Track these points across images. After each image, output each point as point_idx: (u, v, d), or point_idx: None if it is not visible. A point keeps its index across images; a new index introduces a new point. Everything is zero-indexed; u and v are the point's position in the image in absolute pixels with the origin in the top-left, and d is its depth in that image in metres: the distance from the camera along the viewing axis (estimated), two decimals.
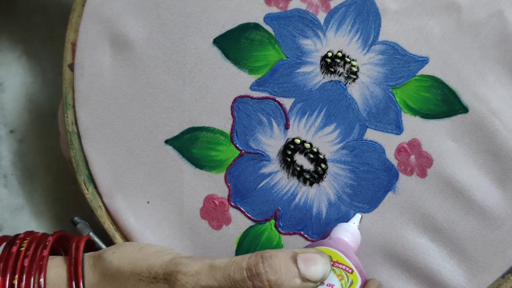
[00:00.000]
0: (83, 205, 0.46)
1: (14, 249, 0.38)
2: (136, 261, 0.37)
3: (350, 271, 0.38)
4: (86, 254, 0.39)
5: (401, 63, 0.42)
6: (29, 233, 0.40)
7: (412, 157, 0.43)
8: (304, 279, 0.35)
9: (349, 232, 0.41)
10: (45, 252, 0.38)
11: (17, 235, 0.40)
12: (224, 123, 0.44)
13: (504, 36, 0.42)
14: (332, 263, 0.37)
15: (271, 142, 0.44)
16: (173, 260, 0.37)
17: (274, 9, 0.43)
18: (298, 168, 0.44)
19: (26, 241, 0.38)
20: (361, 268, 0.39)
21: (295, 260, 0.36)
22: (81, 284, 0.36)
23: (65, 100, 0.45)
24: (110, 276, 0.37)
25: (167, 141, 0.45)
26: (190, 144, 0.44)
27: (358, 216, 0.43)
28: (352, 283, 0.37)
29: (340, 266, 0.38)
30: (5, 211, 0.53)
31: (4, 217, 0.53)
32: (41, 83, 0.55)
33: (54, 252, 0.42)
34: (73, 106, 0.45)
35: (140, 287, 0.36)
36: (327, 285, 0.37)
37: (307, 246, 0.41)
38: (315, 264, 0.36)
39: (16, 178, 0.54)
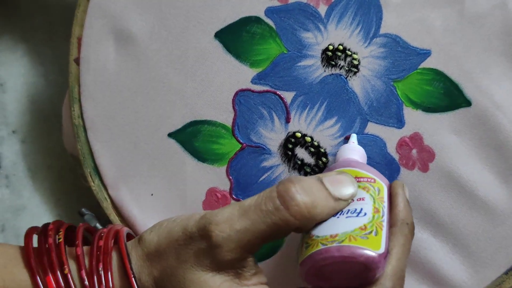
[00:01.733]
0: (86, 204, 0.46)
1: (51, 240, 0.38)
2: (172, 229, 0.37)
3: (372, 180, 0.37)
4: (128, 242, 0.39)
5: (402, 56, 0.42)
6: (58, 223, 0.40)
7: (414, 151, 0.42)
8: (336, 198, 0.35)
9: (353, 150, 0.41)
10: (101, 242, 0.37)
11: (46, 225, 0.39)
12: (225, 116, 0.44)
13: (509, 28, 0.41)
14: None
15: (272, 136, 0.44)
16: (204, 215, 0.36)
17: (275, 2, 0.43)
18: (299, 162, 0.44)
19: (60, 233, 0.38)
20: (380, 175, 0.38)
21: (322, 183, 0.35)
22: (133, 280, 0.36)
23: (72, 93, 0.46)
24: (153, 255, 0.37)
25: (170, 134, 0.45)
26: (193, 137, 0.45)
27: (354, 136, 0.42)
28: (379, 190, 0.37)
29: (362, 179, 0.37)
30: (7, 212, 0.53)
31: (6, 217, 0.53)
32: (43, 83, 0.56)
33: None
34: (79, 100, 0.46)
35: (181, 252, 0.36)
36: (357, 199, 0.36)
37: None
38: (341, 183, 0.36)
39: (18, 178, 0.54)
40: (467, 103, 0.41)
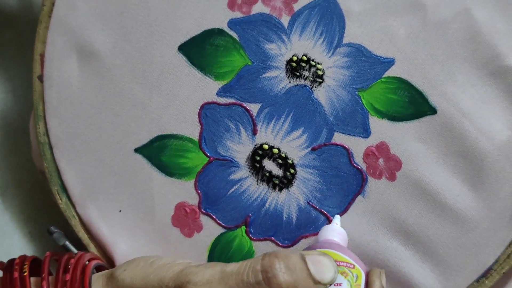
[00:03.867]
0: (56, 221, 0.46)
1: (16, 274, 0.37)
2: (148, 275, 0.36)
3: (352, 266, 0.37)
4: (97, 274, 0.38)
5: (366, 65, 0.42)
6: (24, 257, 0.39)
7: (381, 161, 0.42)
8: (316, 281, 0.34)
9: (336, 232, 0.40)
10: (68, 276, 0.37)
11: (12, 260, 0.39)
12: (192, 130, 0.44)
13: (472, 34, 0.40)
14: None
15: (240, 148, 0.44)
16: (184, 271, 0.35)
17: (237, 14, 0.43)
18: (267, 174, 0.43)
19: (25, 266, 0.38)
20: (359, 260, 0.38)
21: (305, 262, 0.35)
22: None
23: (36, 111, 0.46)
24: None
25: (136, 150, 0.45)
26: (159, 152, 0.44)
27: (337, 217, 0.42)
28: (357, 277, 0.37)
29: (341, 263, 0.37)
30: None
31: None
32: (11, 99, 0.55)
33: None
34: (44, 117, 0.46)
35: None
36: (335, 285, 0.36)
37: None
38: (323, 266, 0.35)
39: None
40: (432, 111, 0.41)
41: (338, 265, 0.36)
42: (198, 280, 0.34)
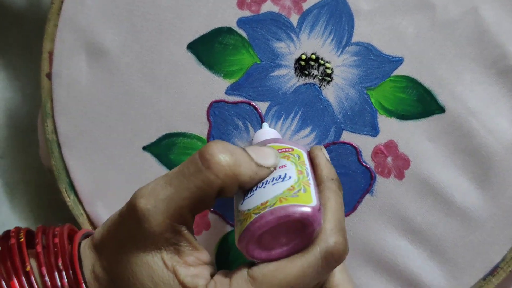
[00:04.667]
0: (64, 219, 0.46)
1: (13, 240, 0.37)
2: (112, 216, 0.37)
3: (290, 149, 0.37)
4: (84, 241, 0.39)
5: (375, 64, 0.42)
6: (19, 228, 0.40)
7: (389, 159, 0.42)
8: (258, 164, 0.34)
9: (267, 134, 0.40)
10: (57, 240, 0.37)
11: (7, 231, 0.39)
12: (200, 128, 0.44)
13: (480, 33, 0.41)
14: None
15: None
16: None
17: (246, 13, 0.43)
18: None
19: (21, 234, 0.38)
20: (298, 144, 0.38)
21: (245, 150, 0.34)
22: (80, 277, 0.36)
23: (44, 109, 0.46)
24: (100, 245, 0.36)
25: (145, 148, 0.45)
26: (168, 150, 0.45)
27: (264, 124, 0.42)
28: (299, 156, 0.37)
29: (280, 150, 0.37)
30: None
31: None
32: (20, 98, 0.55)
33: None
34: (52, 115, 0.46)
35: (118, 236, 0.35)
36: (279, 167, 0.35)
37: None
38: (263, 151, 0.35)
39: None
40: (441, 109, 0.41)
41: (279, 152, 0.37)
42: (143, 191, 0.34)
